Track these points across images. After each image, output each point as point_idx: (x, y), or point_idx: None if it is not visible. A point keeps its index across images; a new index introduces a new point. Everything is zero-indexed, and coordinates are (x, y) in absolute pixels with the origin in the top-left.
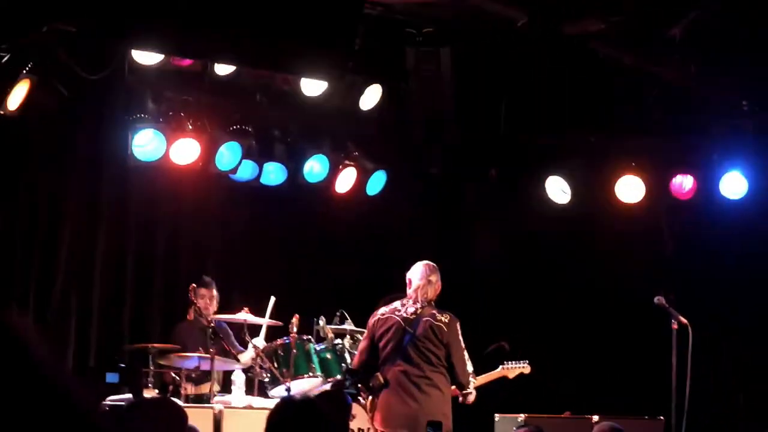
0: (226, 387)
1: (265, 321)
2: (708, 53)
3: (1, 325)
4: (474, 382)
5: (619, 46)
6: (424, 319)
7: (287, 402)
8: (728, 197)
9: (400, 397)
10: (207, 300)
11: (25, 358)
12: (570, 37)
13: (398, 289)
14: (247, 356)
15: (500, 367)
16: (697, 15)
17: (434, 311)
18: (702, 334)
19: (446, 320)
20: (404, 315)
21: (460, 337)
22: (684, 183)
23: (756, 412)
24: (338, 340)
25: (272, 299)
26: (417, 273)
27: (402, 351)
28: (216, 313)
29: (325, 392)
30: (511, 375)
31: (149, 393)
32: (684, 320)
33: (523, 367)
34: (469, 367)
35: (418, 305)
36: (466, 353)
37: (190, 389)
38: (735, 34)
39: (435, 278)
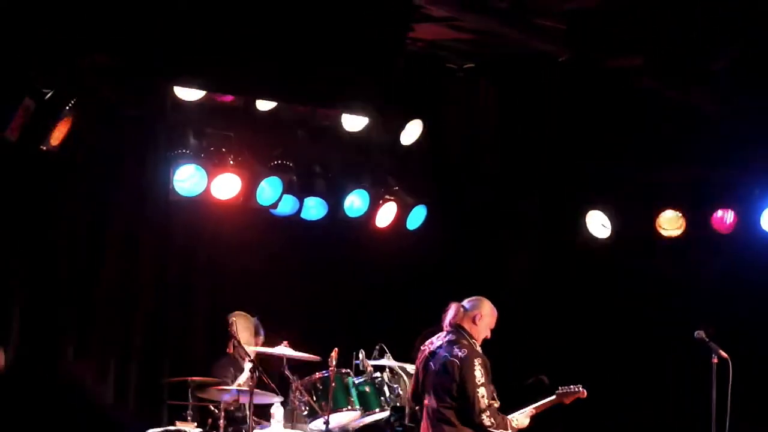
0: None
1: (302, 355)
2: (750, 87)
3: (73, 378)
4: (490, 421)
5: (661, 79)
6: (443, 353)
7: None
8: None
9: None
10: (251, 334)
11: (91, 407)
12: (612, 71)
13: (437, 323)
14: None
15: (555, 393)
16: (738, 48)
17: (455, 346)
18: (743, 369)
19: (462, 355)
20: (431, 348)
21: (477, 374)
22: (725, 217)
23: None
24: (377, 374)
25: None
26: (452, 306)
27: (427, 384)
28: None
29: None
30: (568, 400)
31: (189, 426)
32: (724, 354)
33: (580, 392)
34: (483, 404)
35: (444, 338)
36: (482, 390)
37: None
38: None
39: (470, 305)
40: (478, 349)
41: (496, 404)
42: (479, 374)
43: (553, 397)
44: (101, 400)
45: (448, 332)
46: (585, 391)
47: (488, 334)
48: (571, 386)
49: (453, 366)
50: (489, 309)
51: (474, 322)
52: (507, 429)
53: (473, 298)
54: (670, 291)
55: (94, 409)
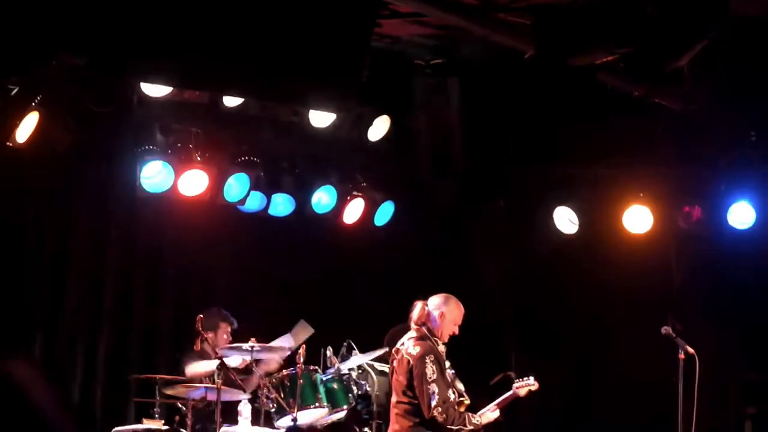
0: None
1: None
2: (715, 84)
3: (6, 375)
4: (442, 416)
5: (627, 77)
6: (402, 350)
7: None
8: (736, 227)
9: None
10: (227, 335)
11: (27, 406)
12: (578, 69)
13: (405, 320)
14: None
15: (513, 387)
16: (704, 46)
17: (411, 343)
18: (708, 363)
19: (415, 353)
20: (399, 348)
21: (428, 371)
22: (692, 213)
23: None
24: (345, 371)
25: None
26: (417, 305)
27: (392, 382)
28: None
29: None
30: (522, 393)
31: (155, 424)
32: (691, 350)
33: (532, 384)
34: (434, 400)
35: (409, 337)
36: (434, 386)
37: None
38: (742, 65)
39: (434, 303)
40: (439, 347)
41: (466, 400)
42: (431, 371)
43: (511, 392)
44: (40, 403)
45: (413, 331)
46: (537, 383)
47: (455, 330)
48: (524, 379)
49: (407, 363)
50: (453, 305)
51: (438, 319)
52: (465, 424)
53: (438, 295)
54: (637, 286)
55: (31, 413)
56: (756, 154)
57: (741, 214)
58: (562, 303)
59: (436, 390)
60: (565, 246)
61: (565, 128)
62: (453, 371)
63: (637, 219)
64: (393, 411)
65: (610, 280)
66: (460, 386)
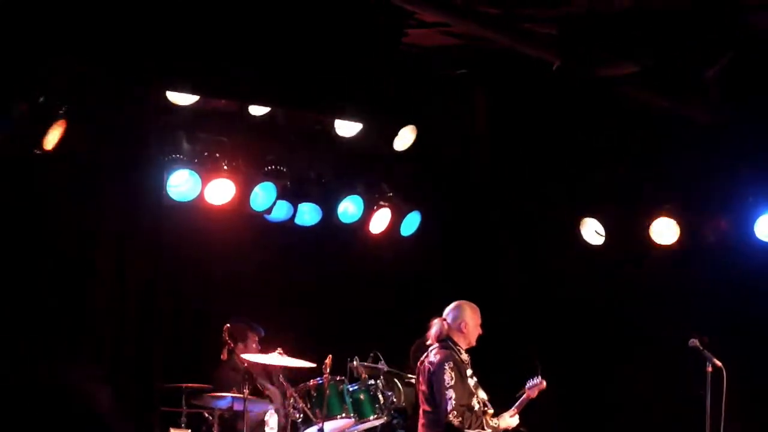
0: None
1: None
2: (741, 95)
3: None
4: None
5: (653, 88)
6: (425, 360)
7: None
8: (763, 239)
9: None
10: (255, 346)
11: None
12: (604, 80)
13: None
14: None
15: (525, 390)
16: (730, 58)
17: (433, 352)
18: (737, 377)
19: (435, 360)
20: (422, 357)
21: (446, 377)
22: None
23: None
24: (372, 381)
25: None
26: (435, 322)
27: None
28: None
29: None
30: (534, 394)
31: None
32: (719, 363)
33: (540, 383)
34: (450, 405)
35: (432, 346)
36: (451, 392)
37: None
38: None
39: (452, 316)
40: (462, 356)
41: (490, 410)
42: (449, 377)
43: (524, 394)
44: (98, 406)
45: (436, 346)
46: (544, 381)
47: (478, 331)
48: (533, 379)
49: (428, 371)
50: (469, 311)
51: (461, 331)
52: (483, 427)
53: (450, 307)
54: (664, 299)
55: (89, 416)
56: None
57: None
58: (587, 314)
59: (453, 395)
60: (591, 257)
61: (591, 139)
62: (476, 380)
63: (664, 231)
64: (420, 422)
65: (635, 291)
66: (483, 395)
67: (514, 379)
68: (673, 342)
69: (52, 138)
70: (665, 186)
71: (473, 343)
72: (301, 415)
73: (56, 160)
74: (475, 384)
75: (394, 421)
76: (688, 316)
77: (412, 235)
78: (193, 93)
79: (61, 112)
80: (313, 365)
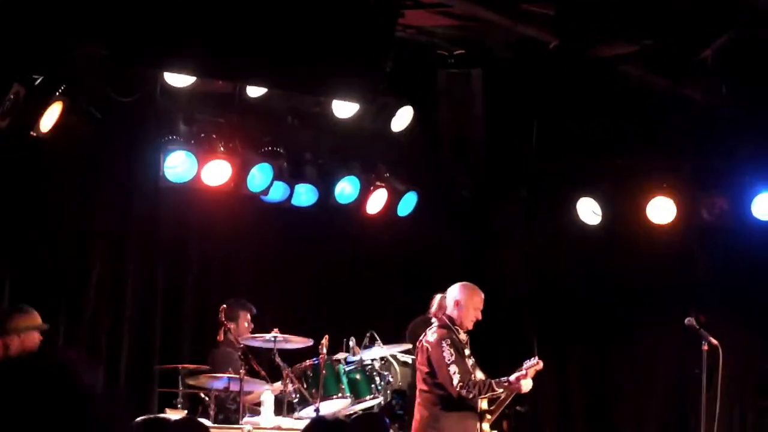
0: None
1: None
2: (738, 75)
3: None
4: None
5: (650, 68)
6: (423, 339)
7: (319, 422)
8: (760, 219)
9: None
10: (248, 324)
11: (77, 394)
12: (601, 60)
13: (427, 311)
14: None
15: (525, 371)
16: (728, 38)
17: (431, 332)
18: (731, 355)
19: (432, 339)
20: (421, 337)
21: (445, 354)
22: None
23: None
24: (368, 361)
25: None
26: (436, 298)
27: (416, 371)
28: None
29: (364, 415)
30: (532, 375)
31: (178, 414)
32: (714, 342)
33: (537, 363)
34: (456, 379)
35: (431, 327)
36: (454, 367)
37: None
38: (765, 55)
39: (451, 294)
40: (460, 335)
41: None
42: (448, 354)
43: (524, 372)
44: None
45: (435, 321)
46: (541, 362)
47: (477, 315)
48: (531, 360)
49: (426, 351)
50: (469, 292)
51: (455, 308)
52: (494, 389)
53: (455, 285)
54: (660, 278)
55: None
56: None
57: (765, 206)
58: (585, 294)
59: (457, 369)
60: (588, 237)
61: (588, 119)
62: (473, 361)
63: (661, 210)
64: (417, 401)
65: (632, 271)
66: (480, 375)
67: (512, 359)
68: (670, 321)
69: (48, 120)
70: (662, 165)
71: (467, 326)
72: (297, 396)
73: (53, 142)
74: (473, 364)
75: (394, 402)
76: (685, 295)
77: (408, 216)
78: (190, 74)
79: (58, 93)
80: (310, 342)
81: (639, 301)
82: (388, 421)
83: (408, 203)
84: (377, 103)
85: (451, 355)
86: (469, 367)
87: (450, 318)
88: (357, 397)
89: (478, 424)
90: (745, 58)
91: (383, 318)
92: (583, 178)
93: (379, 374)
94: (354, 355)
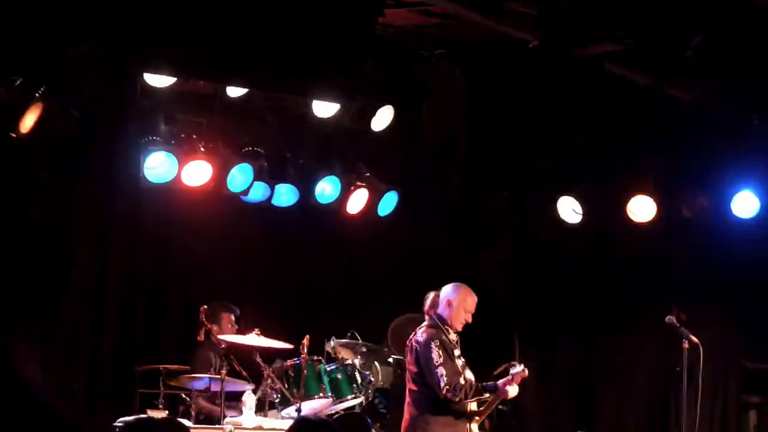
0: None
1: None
2: (720, 73)
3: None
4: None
5: (632, 66)
6: (412, 339)
7: (304, 422)
8: (740, 216)
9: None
10: (231, 325)
11: (24, 389)
12: (583, 58)
13: (409, 310)
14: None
15: (511, 374)
16: (709, 35)
17: (421, 330)
18: (711, 353)
19: (421, 339)
20: (411, 335)
21: (434, 355)
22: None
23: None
24: (349, 361)
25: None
26: (430, 295)
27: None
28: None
29: (346, 415)
30: (518, 382)
31: (159, 413)
32: (695, 339)
33: (522, 371)
34: (443, 382)
35: (421, 325)
36: (441, 369)
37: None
38: (747, 54)
39: (444, 293)
40: (450, 335)
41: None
42: (436, 355)
43: (511, 377)
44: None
45: (426, 320)
46: (527, 370)
47: (467, 318)
48: (516, 367)
49: (414, 351)
50: (462, 294)
51: (446, 308)
52: (481, 394)
53: (449, 284)
54: (641, 276)
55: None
56: (760, 143)
57: (745, 203)
58: (566, 292)
59: (444, 372)
60: (569, 235)
61: (570, 118)
62: (463, 361)
63: (641, 208)
64: (406, 400)
65: (614, 269)
66: (471, 376)
67: (493, 359)
68: (651, 318)
69: (28, 121)
70: (643, 163)
71: (457, 328)
72: (279, 396)
73: (33, 143)
74: (462, 365)
75: (377, 401)
76: (665, 292)
77: (389, 215)
78: (170, 75)
79: (38, 94)
80: (291, 346)
81: (620, 299)
82: (370, 421)
83: (389, 203)
84: (358, 103)
85: (440, 357)
86: (459, 367)
87: (440, 317)
88: (338, 396)
89: (467, 425)
90: (727, 55)
91: (364, 317)
92: (565, 177)
93: (361, 374)
94: (335, 355)
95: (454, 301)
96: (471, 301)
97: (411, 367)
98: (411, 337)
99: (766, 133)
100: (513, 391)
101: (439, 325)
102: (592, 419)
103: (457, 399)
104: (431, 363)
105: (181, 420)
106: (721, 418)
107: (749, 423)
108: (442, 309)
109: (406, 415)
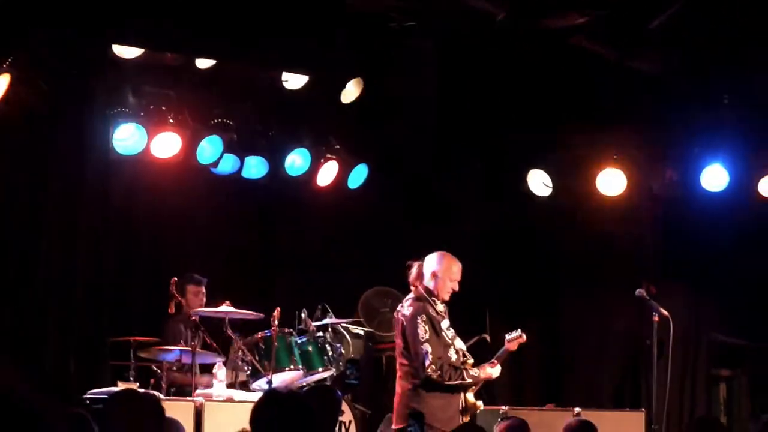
0: None
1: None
2: (689, 47)
3: None
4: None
5: (601, 39)
6: (399, 312)
7: (272, 395)
8: (709, 190)
9: None
10: (198, 297)
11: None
12: (551, 32)
13: (379, 283)
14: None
15: (505, 342)
16: (678, 9)
17: (407, 304)
18: (681, 326)
19: (407, 313)
20: (398, 308)
21: (419, 330)
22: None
23: (738, 402)
24: (320, 333)
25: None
26: (414, 265)
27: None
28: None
29: (316, 387)
30: (514, 347)
31: (130, 386)
32: (665, 312)
33: (520, 336)
34: (428, 359)
35: (407, 297)
36: (427, 345)
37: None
38: (715, 28)
39: (427, 263)
40: (438, 306)
41: (470, 359)
42: (422, 330)
43: (505, 347)
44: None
45: (412, 291)
46: (524, 335)
47: (454, 286)
48: (513, 333)
49: (401, 324)
50: (446, 263)
51: (431, 278)
52: (464, 378)
53: (433, 254)
54: (611, 249)
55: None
56: (729, 116)
57: (714, 177)
58: (537, 265)
59: (429, 349)
60: (539, 209)
61: (538, 91)
62: (453, 332)
63: (611, 182)
64: (398, 374)
65: (584, 242)
66: (461, 345)
67: (465, 332)
68: (621, 291)
69: None
70: (612, 137)
71: (444, 297)
72: (250, 368)
73: (0, 115)
74: (452, 335)
75: (348, 372)
76: (635, 266)
77: (359, 188)
78: (139, 46)
79: (4, 66)
80: (261, 315)
81: (591, 272)
82: (340, 393)
83: (359, 175)
84: (327, 75)
85: (425, 332)
86: (448, 339)
87: (427, 289)
88: (309, 369)
89: (462, 394)
90: (695, 28)
91: (334, 290)
92: (534, 150)
93: (332, 346)
94: (305, 327)
95: (438, 272)
96: (456, 269)
97: (398, 341)
98: (399, 308)
99: (735, 107)
100: (496, 371)
101: (426, 297)
102: (562, 392)
103: (436, 378)
104: (417, 338)
105: (152, 392)
106: (690, 391)
107: (719, 396)
108: (427, 281)
109: (398, 389)
